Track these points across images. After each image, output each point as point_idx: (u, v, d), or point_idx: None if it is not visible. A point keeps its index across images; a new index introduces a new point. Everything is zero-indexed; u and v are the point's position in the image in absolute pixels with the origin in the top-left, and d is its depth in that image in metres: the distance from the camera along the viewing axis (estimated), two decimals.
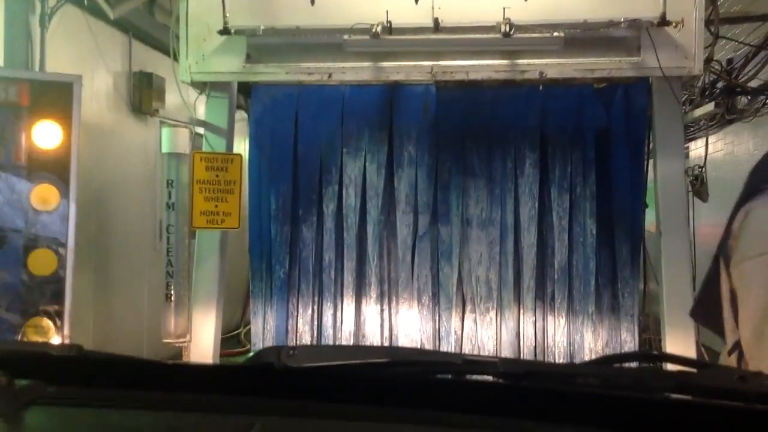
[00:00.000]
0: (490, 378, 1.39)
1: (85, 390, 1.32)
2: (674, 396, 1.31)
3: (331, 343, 6.13)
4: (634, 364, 2.66)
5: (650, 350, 6.47)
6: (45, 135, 5.29)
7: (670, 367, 1.50)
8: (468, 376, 1.45)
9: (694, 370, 1.42)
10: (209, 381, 1.42)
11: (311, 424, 1.20)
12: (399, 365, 1.48)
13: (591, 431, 1.20)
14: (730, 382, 1.31)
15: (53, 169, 5.30)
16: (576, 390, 1.34)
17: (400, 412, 1.24)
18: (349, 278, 6.17)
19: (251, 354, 1.61)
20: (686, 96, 7.13)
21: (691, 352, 5.31)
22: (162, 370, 1.49)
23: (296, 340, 6.19)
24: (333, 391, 1.32)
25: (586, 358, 5.90)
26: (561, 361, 5.93)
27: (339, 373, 1.43)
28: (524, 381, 1.36)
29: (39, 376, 1.34)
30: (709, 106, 6.74)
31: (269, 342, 6.23)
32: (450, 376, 1.49)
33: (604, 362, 1.79)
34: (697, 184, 6.20)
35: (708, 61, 5.87)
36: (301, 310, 6.20)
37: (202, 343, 5.74)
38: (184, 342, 5.74)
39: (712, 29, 5.76)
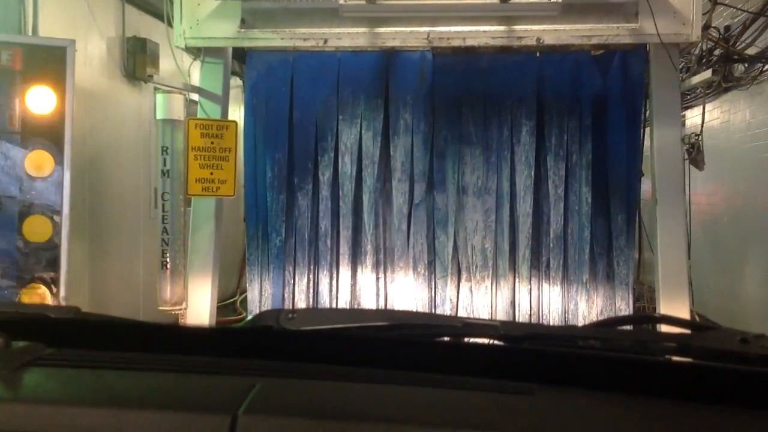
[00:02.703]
0: (490, 341, 1.39)
1: (83, 352, 1.31)
2: (676, 358, 1.31)
3: None
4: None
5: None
6: (38, 100, 5.23)
7: (672, 329, 1.50)
8: (468, 339, 1.45)
9: (696, 332, 1.42)
10: (209, 343, 1.42)
11: (312, 385, 1.19)
12: (399, 328, 1.48)
13: (592, 393, 1.19)
14: (732, 344, 1.31)
15: (47, 135, 5.25)
16: (577, 352, 1.34)
17: (401, 374, 1.23)
18: (345, 246, 6.17)
19: (251, 317, 1.61)
20: (683, 63, 7.09)
21: None
22: (161, 332, 1.48)
23: (292, 307, 6.20)
24: (333, 354, 1.32)
25: None
26: None
27: (338, 335, 1.42)
28: (525, 343, 1.36)
29: (37, 338, 1.33)
30: (706, 74, 6.70)
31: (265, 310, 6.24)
32: (450, 339, 1.49)
33: (606, 325, 1.79)
34: (694, 152, 6.17)
35: (706, 27, 5.83)
36: (297, 278, 6.21)
37: (198, 310, 5.74)
38: (180, 310, 5.74)
39: None
